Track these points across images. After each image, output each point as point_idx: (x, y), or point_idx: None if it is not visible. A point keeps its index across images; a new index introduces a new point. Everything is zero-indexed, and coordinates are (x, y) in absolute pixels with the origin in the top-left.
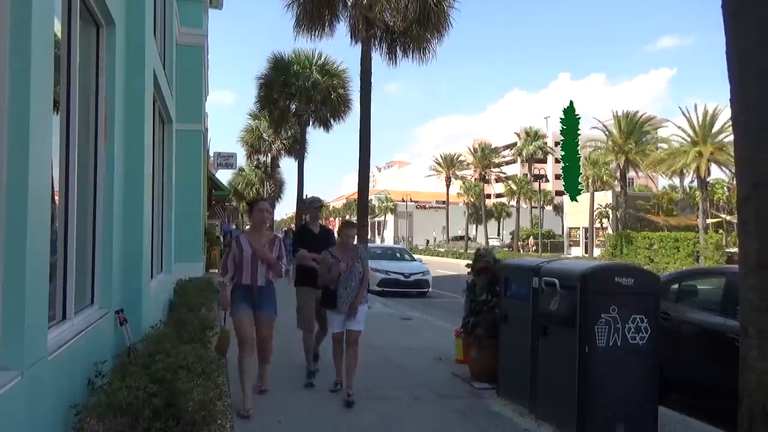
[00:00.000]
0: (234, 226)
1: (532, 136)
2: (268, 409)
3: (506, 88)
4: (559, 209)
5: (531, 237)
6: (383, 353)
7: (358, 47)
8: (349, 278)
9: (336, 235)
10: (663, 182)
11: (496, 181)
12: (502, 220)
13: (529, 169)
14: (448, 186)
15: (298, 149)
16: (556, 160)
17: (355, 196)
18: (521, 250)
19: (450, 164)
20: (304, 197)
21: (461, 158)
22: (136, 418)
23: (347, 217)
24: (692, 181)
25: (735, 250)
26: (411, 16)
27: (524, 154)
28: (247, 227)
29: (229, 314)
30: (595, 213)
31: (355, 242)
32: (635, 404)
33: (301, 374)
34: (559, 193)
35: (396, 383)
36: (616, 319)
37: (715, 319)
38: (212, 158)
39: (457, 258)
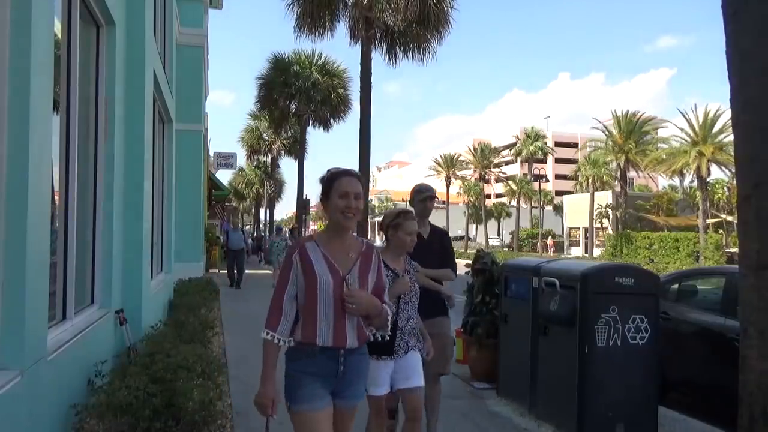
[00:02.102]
0: (232, 227)
1: (532, 136)
2: None
3: (506, 88)
4: (559, 209)
5: (549, 237)
6: None
7: (358, 47)
8: (409, 302)
9: (385, 232)
10: (663, 182)
11: (496, 181)
12: (502, 220)
13: (529, 169)
14: (448, 186)
15: (298, 149)
16: (556, 160)
17: None
18: (541, 251)
19: (450, 164)
20: (304, 197)
21: (461, 158)
22: (136, 418)
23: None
24: (692, 181)
25: (735, 250)
26: (411, 16)
27: (524, 154)
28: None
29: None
30: (595, 213)
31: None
32: (635, 404)
33: None
34: (559, 193)
35: None
36: (616, 319)
37: (715, 319)
38: (212, 158)
39: (457, 258)
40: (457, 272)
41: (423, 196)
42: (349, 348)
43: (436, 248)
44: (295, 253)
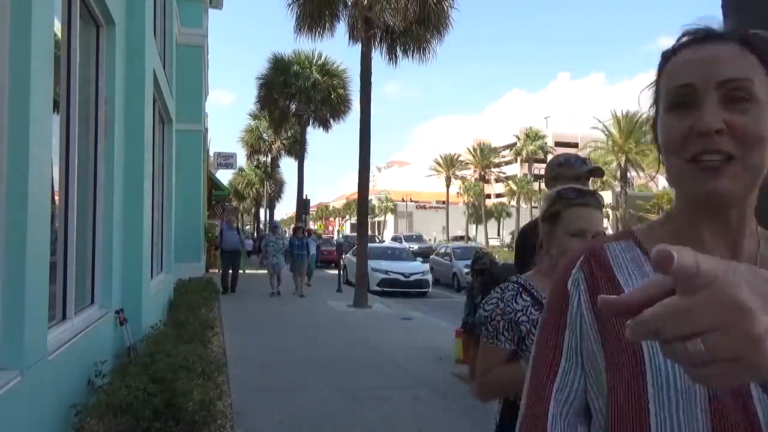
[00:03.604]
0: (227, 225)
1: (532, 136)
2: (270, 409)
3: (506, 88)
4: None
5: None
6: (383, 353)
7: (358, 47)
8: None
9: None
10: (663, 182)
11: (496, 181)
12: (502, 220)
13: (529, 169)
14: (448, 186)
15: (298, 149)
16: None
17: (355, 196)
18: None
19: (450, 164)
20: (304, 197)
21: (461, 158)
22: (136, 418)
23: (347, 218)
24: None
25: None
26: (411, 16)
27: (524, 154)
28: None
29: None
30: None
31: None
32: None
33: (307, 370)
34: None
35: (396, 383)
36: None
37: None
38: (212, 158)
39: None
40: None
41: (586, 170)
42: None
43: None
44: (570, 278)
